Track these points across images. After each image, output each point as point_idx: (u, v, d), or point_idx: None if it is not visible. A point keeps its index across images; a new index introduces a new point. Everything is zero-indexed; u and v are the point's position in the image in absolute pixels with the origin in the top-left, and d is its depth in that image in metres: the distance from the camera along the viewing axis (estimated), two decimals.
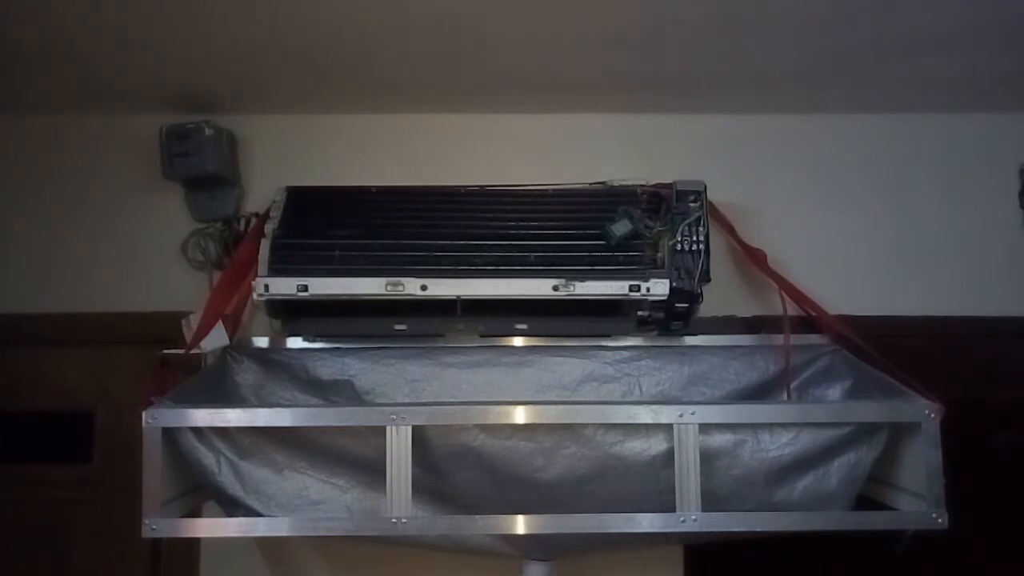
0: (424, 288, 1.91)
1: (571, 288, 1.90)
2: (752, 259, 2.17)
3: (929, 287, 2.26)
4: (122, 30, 1.81)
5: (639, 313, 2.01)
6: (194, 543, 2.17)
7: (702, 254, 1.96)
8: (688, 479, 1.62)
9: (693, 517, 1.61)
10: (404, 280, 1.91)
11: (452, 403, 1.92)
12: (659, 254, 1.96)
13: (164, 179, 2.19)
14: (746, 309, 2.23)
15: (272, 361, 2.10)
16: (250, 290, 1.94)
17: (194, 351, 1.98)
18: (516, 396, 2.04)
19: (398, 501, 1.61)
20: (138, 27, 1.80)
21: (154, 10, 1.72)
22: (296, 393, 2.07)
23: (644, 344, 2.13)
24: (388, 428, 1.62)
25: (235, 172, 2.26)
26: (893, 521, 1.71)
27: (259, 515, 1.69)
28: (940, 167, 2.31)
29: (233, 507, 1.70)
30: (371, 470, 1.68)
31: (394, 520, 1.61)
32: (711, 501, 1.64)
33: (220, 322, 2.00)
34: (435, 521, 1.73)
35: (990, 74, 2.06)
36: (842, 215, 2.29)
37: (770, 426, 1.70)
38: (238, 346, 2.09)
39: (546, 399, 2.04)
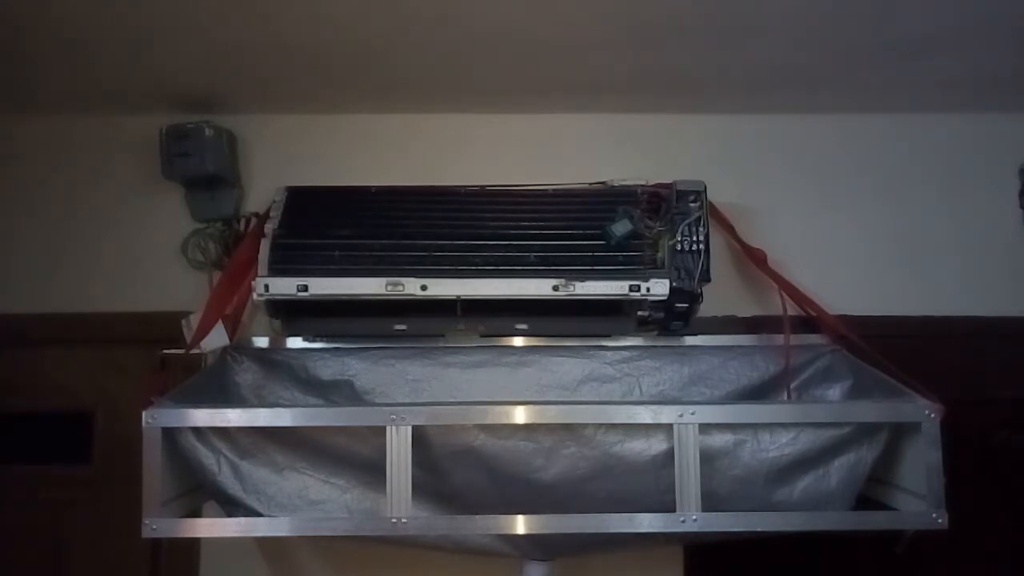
0: (424, 288, 1.91)
1: (571, 288, 1.90)
2: (752, 259, 2.17)
3: (929, 287, 2.26)
4: (122, 30, 1.81)
5: (639, 313, 2.01)
6: (194, 543, 2.17)
7: (702, 254, 1.96)
8: (688, 479, 1.62)
9: (693, 517, 1.61)
10: (404, 280, 1.91)
11: (452, 403, 1.92)
12: (659, 254, 1.96)
13: (164, 179, 2.19)
14: (746, 309, 2.23)
15: (272, 361, 2.10)
16: (250, 290, 1.94)
17: (194, 351, 1.98)
18: (516, 396, 2.04)
19: (398, 501, 1.61)
20: (138, 27, 1.80)
21: (154, 10, 1.72)
22: (296, 393, 2.08)
23: (644, 344, 2.13)
24: (388, 428, 1.62)
25: (235, 172, 2.26)
26: (893, 521, 1.71)
27: (259, 515, 1.69)
28: (940, 167, 2.31)
29: (233, 507, 1.70)
30: (371, 470, 1.68)
31: (394, 520, 1.61)
32: (711, 501, 1.64)
33: (220, 322, 2.00)
34: (435, 521, 1.73)
35: (990, 74, 2.06)
36: (842, 215, 2.29)
37: (770, 426, 1.70)
38: (238, 346, 2.09)
39: (546, 399, 2.04)
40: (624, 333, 2.12)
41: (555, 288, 1.90)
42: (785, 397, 2.05)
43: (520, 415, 1.65)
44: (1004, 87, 2.14)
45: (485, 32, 1.84)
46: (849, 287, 2.24)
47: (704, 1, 1.70)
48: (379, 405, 1.94)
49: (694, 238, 1.97)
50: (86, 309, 2.23)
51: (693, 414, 1.64)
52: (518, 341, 2.14)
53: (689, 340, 2.14)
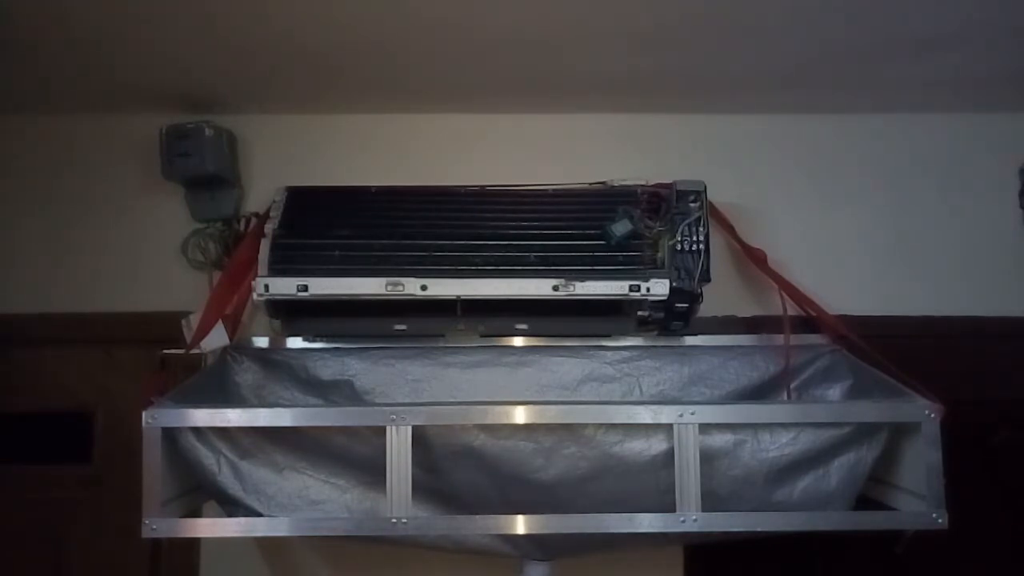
0: (424, 288, 1.91)
1: (571, 288, 1.90)
2: (752, 259, 2.17)
3: (929, 287, 2.26)
4: (123, 31, 1.81)
5: (639, 313, 2.01)
6: (194, 543, 2.17)
7: (702, 254, 1.96)
8: (688, 479, 1.62)
9: (693, 517, 1.61)
10: (404, 280, 1.91)
11: (452, 403, 1.92)
12: (659, 254, 1.96)
13: (164, 179, 2.19)
14: (746, 309, 2.23)
15: (272, 361, 2.10)
16: (250, 290, 1.94)
17: (194, 351, 1.98)
18: (516, 396, 2.04)
19: (398, 501, 1.61)
20: (138, 27, 1.80)
21: (154, 11, 1.72)
22: (296, 393, 2.08)
23: (644, 344, 2.13)
24: (388, 428, 1.62)
25: (235, 172, 2.26)
26: (893, 521, 1.71)
27: (259, 515, 1.69)
28: (940, 167, 2.31)
29: (233, 507, 1.70)
30: (371, 470, 1.68)
31: (394, 520, 1.61)
32: (711, 501, 1.64)
33: (220, 322, 2.00)
34: (435, 521, 1.73)
35: (990, 74, 2.06)
36: (842, 215, 2.29)
37: (770, 426, 1.70)
38: (238, 346, 2.09)
39: (546, 399, 2.04)
40: (624, 333, 2.12)
41: (555, 288, 1.90)
42: (785, 397, 2.05)
43: (520, 415, 1.65)
44: (1004, 87, 2.14)
45: (485, 32, 1.84)
46: (849, 287, 2.24)
47: (704, 1, 1.70)
48: (379, 405, 1.94)
49: (694, 238, 1.97)
50: (86, 309, 2.23)
51: (693, 414, 1.64)
52: (518, 341, 2.14)
53: (689, 340, 2.14)
